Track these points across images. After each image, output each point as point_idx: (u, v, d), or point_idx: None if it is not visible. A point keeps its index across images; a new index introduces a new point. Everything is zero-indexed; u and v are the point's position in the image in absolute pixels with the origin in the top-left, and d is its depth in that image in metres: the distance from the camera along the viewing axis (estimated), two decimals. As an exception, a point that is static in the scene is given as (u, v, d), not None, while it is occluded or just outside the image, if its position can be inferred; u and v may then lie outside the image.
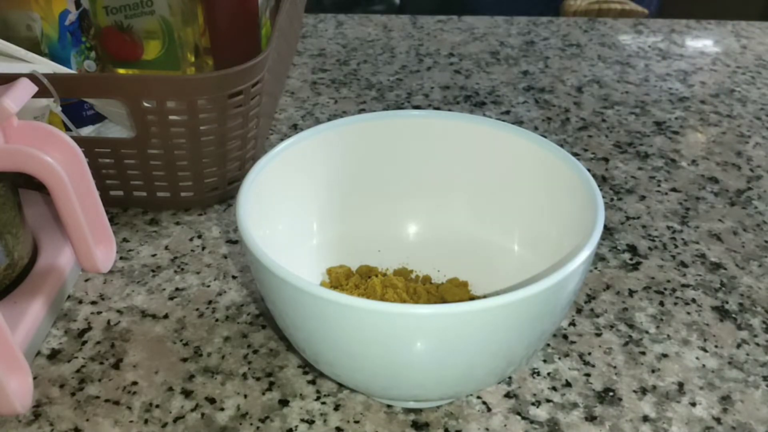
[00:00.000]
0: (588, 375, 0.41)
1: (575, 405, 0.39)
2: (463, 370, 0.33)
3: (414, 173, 0.45)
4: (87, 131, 0.59)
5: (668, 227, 0.53)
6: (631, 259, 0.50)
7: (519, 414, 0.38)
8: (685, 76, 0.76)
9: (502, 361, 0.34)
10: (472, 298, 0.43)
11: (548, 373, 0.41)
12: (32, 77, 0.44)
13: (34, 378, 0.39)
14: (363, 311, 0.30)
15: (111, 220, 0.52)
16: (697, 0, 1.23)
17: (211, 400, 0.39)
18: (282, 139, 0.51)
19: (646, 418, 0.38)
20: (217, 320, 0.44)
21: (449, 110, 0.67)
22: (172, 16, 0.58)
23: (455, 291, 0.42)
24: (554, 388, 0.40)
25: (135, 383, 0.40)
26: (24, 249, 0.44)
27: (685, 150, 0.63)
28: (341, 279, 0.43)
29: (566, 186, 0.39)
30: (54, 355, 0.42)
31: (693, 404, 0.39)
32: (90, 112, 0.59)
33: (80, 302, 0.45)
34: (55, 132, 0.40)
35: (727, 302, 0.46)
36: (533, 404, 0.39)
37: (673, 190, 0.57)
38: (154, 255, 0.49)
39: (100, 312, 0.45)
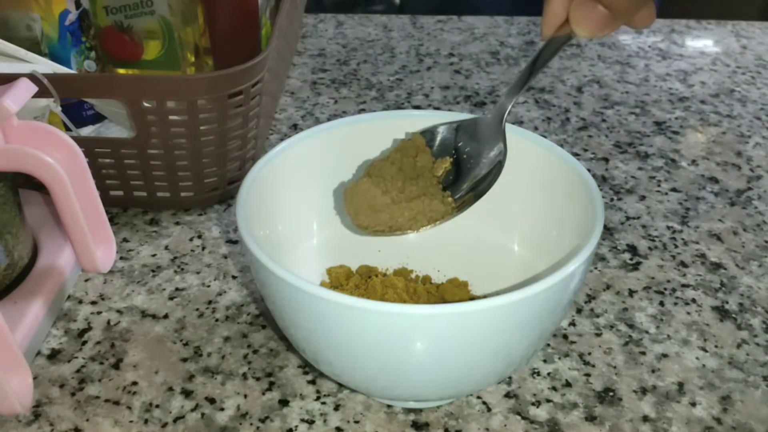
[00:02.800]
0: (588, 375, 0.41)
1: (575, 405, 0.39)
2: (463, 370, 0.33)
3: (414, 173, 0.45)
4: (87, 131, 0.59)
5: (668, 227, 0.53)
6: (631, 259, 0.50)
7: (519, 414, 0.38)
8: (685, 76, 0.76)
9: (502, 361, 0.34)
10: (472, 298, 0.43)
11: (548, 373, 0.41)
12: (32, 77, 0.44)
13: (34, 378, 0.39)
14: (363, 311, 0.30)
15: (111, 220, 0.52)
16: (697, 0, 1.23)
17: (211, 400, 0.39)
18: (282, 139, 0.51)
19: (646, 418, 0.38)
20: (217, 320, 0.44)
21: (449, 110, 0.67)
22: (172, 16, 0.58)
23: (455, 291, 0.42)
24: (554, 388, 0.40)
25: (135, 383, 0.40)
26: (24, 249, 0.44)
27: (685, 150, 0.63)
28: (341, 279, 0.43)
29: (566, 186, 0.39)
30: (54, 355, 0.42)
31: (693, 404, 0.39)
32: (90, 112, 0.59)
33: (80, 302, 0.45)
34: (55, 132, 0.41)
35: (727, 302, 0.46)
36: (533, 404, 0.39)
37: (673, 190, 0.57)
38: (154, 255, 0.49)
39: (100, 312, 0.45)
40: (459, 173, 0.39)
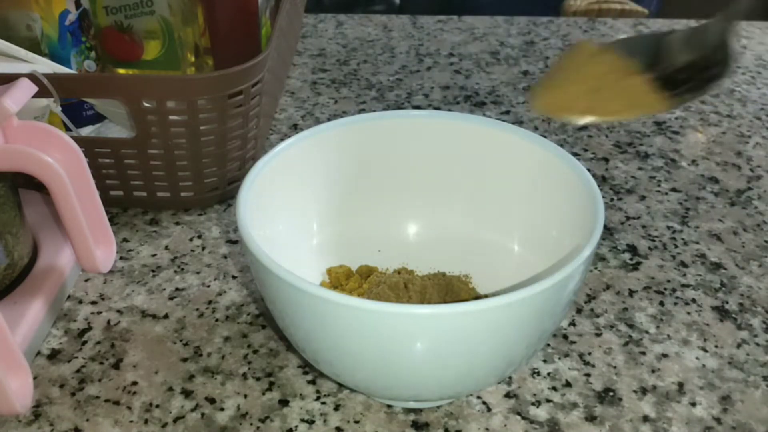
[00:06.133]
0: (588, 375, 0.41)
1: (575, 405, 0.39)
2: (463, 370, 0.33)
3: (414, 173, 0.45)
4: (87, 131, 0.59)
5: (668, 227, 0.53)
6: (631, 259, 0.50)
7: (519, 414, 0.38)
8: (685, 76, 0.75)
9: (502, 361, 0.34)
10: (477, 296, 0.43)
11: (548, 373, 0.41)
12: (32, 77, 0.44)
13: (34, 378, 0.39)
14: (363, 311, 0.30)
15: (111, 220, 0.52)
16: (697, 0, 1.23)
17: (211, 400, 0.39)
18: (282, 139, 0.51)
19: (646, 418, 0.38)
20: (217, 320, 0.44)
21: (449, 110, 0.67)
22: (172, 16, 0.58)
23: (460, 284, 0.42)
24: (554, 388, 0.40)
25: (135, 383, 0.40)
26: (24, 249, 0.44)
27: (685, 150, 0.63)
28: (341, 279, 0.43)
29: (566, 186, 0.39)
30: (54, 355, 0.42)
31: (693, 404, 0.39)
32: (90, 112, 0.59)
33: (80, 302, 0.45)
34: (55, 132, 0.41)
35: (727, 302, 0.46)
36: (533, 404, 0.39)
37: (673, 190, 0.57)
38: (154, 255, 0.49)
39: (100, 312, 0.45)
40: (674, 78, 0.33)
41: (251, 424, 0.38)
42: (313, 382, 0.40)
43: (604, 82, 0.31)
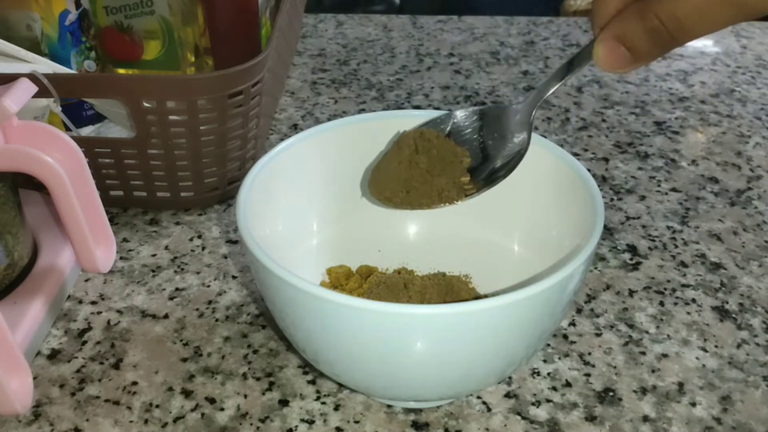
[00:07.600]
0: (588, 375, 0.41)
1: (575, 405, 0.39)
2: (463, 370, 0.33)
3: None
4: (87, 131, 0.59)
5: (668, 227, 0.53)
6: (631, 259, 0.50)
7: (519, 414, 0.38)
8: (685, 76, 0.76)
9: (502, 361, 0.34)
10: (477, 296, 0.43)
11: (548, 373, 0.41)
12: (32, 77, 0.44)
13: (34, 378, 0.39)
14: (363, 311, 0.30)
15: (111, 220, 0.52)
16: None
17: (211, 400, 0.39)
18: (282, 139, 0.51)
19: (646, 418, 0.38)
20: (217, 320, 0.44)
21: (449, 110, 0.67)
22: (172, 16, 0.58)
23: (460, 284, 0.42)
24: (554, 388, 0.40)
25: (135, 383, 0.40)
26: (24, 249, 0.44)
27: (685, 150, 0.63)
28: (341, 279, 0.43)
29: (566, 186, 0.39)
30: (54, 355, 0.42)
31: (693, 404, 0.39)
32: (90, 112, 0.59)
33: (80, 302, 0.45)
34: (55, 132, 0.41)
35: (727, 302, 0.46)
36: (533, 404, 0.39)
37: (673, 190, 0.57)
38: (154, 255, 0.49)
39: (100, 312, 0.45)
40: (481, 159, 0.39)
41: (251, 424, 0.38)
42: (313, 382, 0.40)
43: (416, 183, 0.38)
